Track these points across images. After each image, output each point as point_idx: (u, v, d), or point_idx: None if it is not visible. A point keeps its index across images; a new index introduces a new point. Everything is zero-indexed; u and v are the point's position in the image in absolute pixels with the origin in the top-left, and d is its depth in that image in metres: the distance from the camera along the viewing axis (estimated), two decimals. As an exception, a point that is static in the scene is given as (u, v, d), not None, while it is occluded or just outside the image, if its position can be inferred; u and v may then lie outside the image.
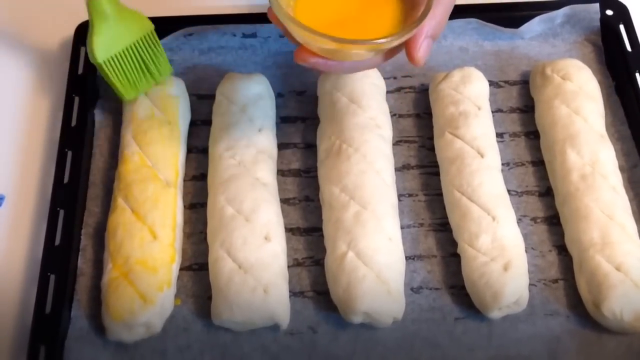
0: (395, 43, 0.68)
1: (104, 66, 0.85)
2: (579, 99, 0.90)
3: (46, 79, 1.00)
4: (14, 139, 0.95)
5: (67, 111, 0.92)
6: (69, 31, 1.00)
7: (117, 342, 0.79)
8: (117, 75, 0.86)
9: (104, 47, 0.84)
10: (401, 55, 0.98)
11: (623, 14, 1.00)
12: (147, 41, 0.88)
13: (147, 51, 0.88)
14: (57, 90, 0.98)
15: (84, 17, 0.99)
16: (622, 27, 0.99)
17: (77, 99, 0.93)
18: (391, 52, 0.72)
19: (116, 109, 0.95)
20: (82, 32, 0.99)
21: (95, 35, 0.84)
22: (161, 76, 0.90)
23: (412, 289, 0.83)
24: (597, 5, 0.99)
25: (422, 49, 0.71)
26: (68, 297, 0.81)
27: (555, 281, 0.84)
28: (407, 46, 0.71)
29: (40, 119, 0.96)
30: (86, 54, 0.97)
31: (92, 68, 0.96)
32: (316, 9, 0.72)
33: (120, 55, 0.86)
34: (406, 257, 0.84)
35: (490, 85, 0.95)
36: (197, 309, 0.82)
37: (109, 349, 0.79)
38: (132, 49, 0.86)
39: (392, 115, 0.94)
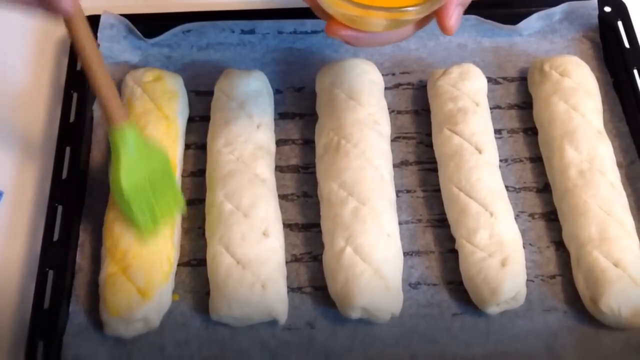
0: (427, 12, 0.67)
1: (130, 197, 0.79)
2: (577, 96, 0.90)
3: (44, 74, 0.99)
4: (12, 134, 0.95)
5: (65, 107, 0.92)
6: (68, 27, 1.00)
7: (115, 337, 0.79)
8: (138, 204, 0.80)
9: (129, 177, 0.79)
10: (399, 51, 1.00)
11: (621, 11, 1.00)
12: (164, 173, 0.83)
13: (163, 184, 0.82)
14: (55, 85, 0.98)
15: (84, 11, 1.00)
16: (620, 23, 0.99)
17: (75, 95, 0.93)
18: (422, 22, 0.71)
19: (115, 105, 0.95)
20: (81, 29, 0.99)
21: (122, 164, 0.78)
22: (175, 209, 0.84)
23: (410, 285, 0.83)
24: (595, 2, 1.00)
25: (454, 17, 0.69)
26: (66, 292, 0.81)
27: (553, 277, 0.84)
28: (438, 15, 0.69)
29: (38, 115, 0.96)
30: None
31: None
32: None
33: (141, 185, 0.80)
34: (404, 253, 0.84)
35: (488, 81, 0.95)
36: (195, 304, 0.82)
37: (107, 344, 0.79)
38: (151, 180, 0.81)
39: (391, 111, 0.94)
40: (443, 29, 0.70)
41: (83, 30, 0.74)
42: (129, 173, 0.79)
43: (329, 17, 0.72)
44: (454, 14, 0.69)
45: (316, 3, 0.71)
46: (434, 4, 0.67)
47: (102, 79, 0.76)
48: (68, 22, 0.73)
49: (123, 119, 0.78)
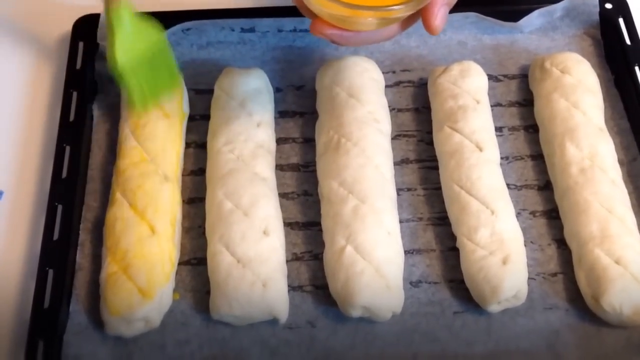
0: (411, 11, 0.67)
1: (125, 74, 0.82)
2: (578, 93, 0.90)
3: (44, 73, 0.99)
4: (12, 133, 0.95)
5: (65, 106, 0.92)
6: (67, 26, 1.00)
7: (116, 336, 0.79)
8: (135, 82, 0.83)
9: (124, 54, 0.82)
10: (400, 48, 1.00)
11: (622, 8, 0.99)
12: (160, 49, 0.85)
13: (160, 59, 0.85)
14: (55, 85, 0.98)
15: (83, 11, 1.00)
16: (621, 20, 0.99)
17: (75, 94, 0.93)
18: (407, 22, 0.71)
19: (114, 103, 0.95)
20: (81, 27, 0.99)
21: (117, 43, 0.81)
22: (174, 87, 0.89)
23: (411, 283, 0.83)
24: (596, -1, 0.99)
25: (439, 17, 0.69)
26: (67, 292, 0.81)
27: (555, 275, 0.84)
28: (423, 14, 0.70)
29: (38, 114, 0.96)
30: (85, 49, 0.97)
31: (90, 62, 0.96)
32: None
33: (138, 63, 0.83)
34: (405, 251, 0.84)
35: (489, 79, 0.95)
36: (195, 303, 0.82)
37: (107, 344, 0.79)
38: (147, 56, 0.83)
39: (391, 109, 0.94)
40: (428, 28, 0.70)
41: None
42: (125, 50, 0.81)
43: (314, 16, 0.71)
44: (439, 14, 0.69)
45: (302, 2, 0.71)
46: (420, 2, 0.67)
47: None
48: None
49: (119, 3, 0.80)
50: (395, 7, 0.66)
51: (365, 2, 0.67)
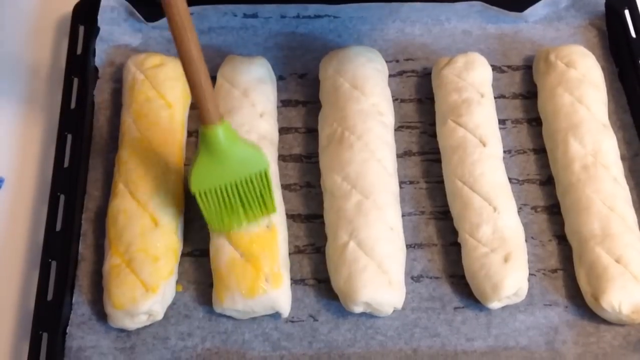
0: None
1: (197, 198, 0.77)
2: (583, 87, 0.90)
3: (43, 59, 0.98)
4: (13, 121, 0.94)
5: (66, 93, 0.91)
6: (67, 9, 0.98)
7: (119, 328, 0.79)
8: (210, 206, 0.78)
9: (204, 178, 0.77)
10: (403, 37, 0.99)
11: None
12: (256, 179, 0.78)
13: (253, 189, 0.78)
14: (55, 71, 0.97)
15: (81, -5, 0.99)
16: (627, 12, 0.98)
17: (76, 80, 0.92)
18: None
19: (116, 90, 0.94)
20: (81, 10, 0.97)
21: (197, 165, 0.76)
22: (262, 215, 0.80)
23: (413, 278, 0.84)
24: (602, -10, 0.99)
25: None
26: (69, 283, 0.81)
27: (555, 271, 0.84)
28: None
29: (38, 101, 0.95)
30: (85, 33, 0.96)
31: (91, 48, 0.95)
32: None
33: (221, 189, 0.77)
34: (407, 246, 0.84)
35: (493, 70, 0.95)
36: (198, 295, 0.82)
37: (110, 336, 0.80)
38: (236, 185, 0.78)
39: (394, 99, 0.94)
40: None
41: (185, 18, 0.70)
42: (204, 174, 0.76)
43: None
44: None
45: None
46: None
47: (202, 75, 0.72)
48: (169, 7, 0.69)
49: (216, 120, 0.75)
50: None
51: None
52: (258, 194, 0.79)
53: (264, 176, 0.78)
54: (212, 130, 0.75)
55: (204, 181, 0.77)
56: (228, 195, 0.78)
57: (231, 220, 0.79)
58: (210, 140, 0.75)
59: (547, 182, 0.89)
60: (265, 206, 0.80)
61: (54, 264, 0.81)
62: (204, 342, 0.80)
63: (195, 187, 0.77)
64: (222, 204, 0.78)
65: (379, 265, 0.79)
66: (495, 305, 0.80)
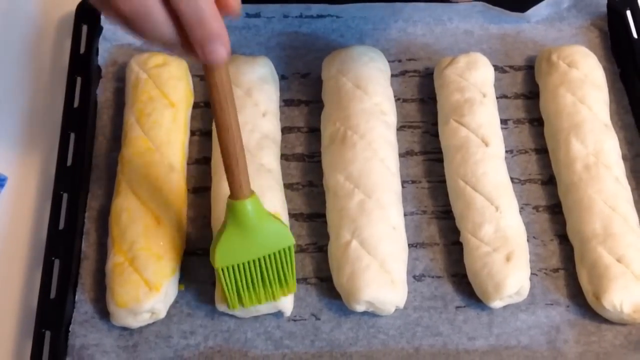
0: None
1: (220, 273, 0.75)
2: (585, 88, 0.90)
3: (47, 57, 0.98)
4: (15, 120, 0.94)
5: (69, 92, 0.91)
6: (70, 8, 0.99)
7: (122, 327, 0.79)
8: (230, 283, 0.76)
9: (229, 253, 0.75)
10: (406, 37, 0.99)
11: (630, 0, 0.99)
12: (280, 256, 0.77)
13: (276, 266, 0.77)
14: (58, 69, 0.97)
15: (85, -7, 0.99)
16: (628, 13, 0.98)
17: (79, 79, 0.92)
18: None
19: (118, 88, 0.94)
20: (84, 9, 0.97)
21: (223, 240, 0.74)
22: (282, 294, 0.79)
23: (415, 277, 0.84)
24: (604, -10, 0.99)
25: None
26: (72, 281, 0.81)
27: (556, 270, 0.84)
28: None
29: (42, 100, 0.95)
30: (89, 32, 0.96)
31: (94, 47, 0.95)
32: None
33: (244, 265, 0.76)
34: (409, 245, 0.84)
35: (495, 70, 0.95)
36: (201, 294, 0.82)
37: (113, 334, 0.80)
38: (259, 261, 0.76)
39: (396, 99, 0.94)
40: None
41: (227, 85, 0.67)
42: (229, 249, 0.74)
43: None
44: None
45: None
46: None
47: (238, 146, 0.70)
48: (210, 71, 0.66)
49: (247, 194, 0.73)
50: None
51: None
52: (280, 271, 0.77)
53: (289, 253, 0.77)
54: (243, 204, 0.72)
55: (229, 256, 0.75)
56: (250, 272, 0.76)
57: (250, 297, 0.77)
58: (239, 214, 0.73)
59: (549, 181, 0.90)
60: (287, 284, 0.78)
61: (57, 262, 0.81)
62: (207, 341, 0.80)
63: (219, 263, 0.75)
64: (243, 279, 0.76)
65: (382, 265, 0.79)
66: (497, 304, 0.80)
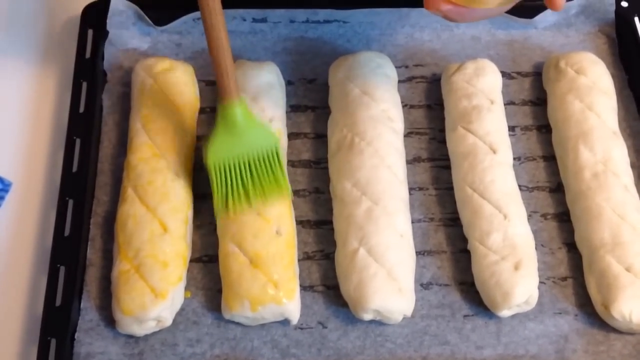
0: None
1: (212, 172, 0.80)
2: (593, 94, 0.90)
3: (52, 62, 0.98)
4: (20, 125, 0.94)
5: (74, 97, 0.91)
6: (75, 12, 0.98)
7: (127, 334, 0.79)
8: (220, 184, 0.80)
9: (220, 153, 0.80)
10: (412, 42, 0.99)
11: (638, 6, 0.99)
12: (268, 158, 0.81)
13: (266, 168, 0.81)
14: (63, 74, 0.96)
15: (91, -3, 0.98)
16: (637, 19, 0.98)
17: (85, 84, 0.92)
18: None
19: (124, 93, 0.94)
20: (90, 13, 0.97)
21: (214, 140, 0.80)
22: (276, 196, 0.82)
23: (422, 285, 0.83)
24: (612, -4, 0.98)
25: None
26: (78, 288, 0.81)
27: (565, 279, 0.84)
28: None
29: (46, 105, 0.95)
30: (94, 37, 0.96)
31: (99, 51, 0.95)
32: None
33: (235, 166, 0.80)
34: (416, 252, 0.84)
35: (502, 76, 0.94)
36: (207, 301, 0.82)
37: (119, 342, 0.79)
38: (250, 162, 0.81)
39: (404, 105, 0.93)
40: (553, 6, 0.71)
41: None
42: (220, 150, 0.80)
43: None
44: None
45: None
46: None
47: (226, 51, 0.77)
48: None
49: (236, 96, 0.79)
50: None
51: None
52: (270, 172, 0.81)
53: (275, 154, 0.81)
54: (231, 106, 0.79)
55: (220, 155, 0.80)
56: (239, 175, 0.80)
57: (242, 202, 0.80)
58: (228, 116, 0.79)
59: (557, 189, 0.89)
60: (279, 187, 0.82)
61: (62, 269, 0.81)
62: (213, 349, 0.79)
63: (211, 160, 0.80)
64: (235, 182, 0.80)
65: (389, 273, 0.79)
66: (505, 313, 0.80)
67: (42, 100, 0.95)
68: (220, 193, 0.80)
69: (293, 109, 0.94)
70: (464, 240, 0.85)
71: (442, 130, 0.92)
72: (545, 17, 0.99)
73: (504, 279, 0.79)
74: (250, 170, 0.81)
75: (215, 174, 0.80)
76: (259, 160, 0.81)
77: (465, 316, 0.82)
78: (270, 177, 0.81)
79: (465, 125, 0.88)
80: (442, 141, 0.91)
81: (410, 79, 0.97)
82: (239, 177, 0.80)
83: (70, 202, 0.84)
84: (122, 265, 0.79)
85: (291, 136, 0.92)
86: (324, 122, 0.92)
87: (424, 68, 0.97)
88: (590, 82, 0.91)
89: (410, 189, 0.88)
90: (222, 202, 0.81)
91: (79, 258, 0.82)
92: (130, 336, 0.79)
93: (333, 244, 0.84)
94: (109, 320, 0.80)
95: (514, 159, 0.90)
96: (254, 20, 0.98)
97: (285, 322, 0.80)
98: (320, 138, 0.92)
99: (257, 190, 0.81)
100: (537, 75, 0.97)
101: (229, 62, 0.78)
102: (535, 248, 0.83)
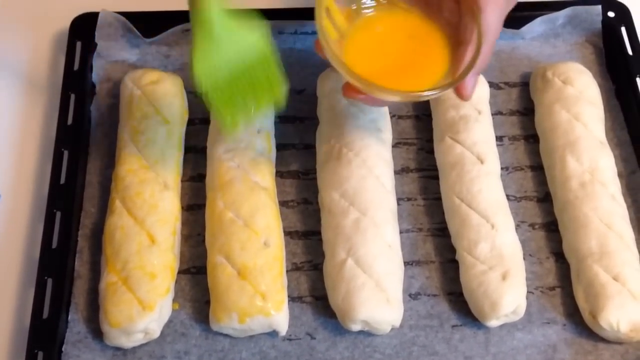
0: (441, 93, 0.72)
1: (206, 88, 0.73)
2: (580, 104, 0.90)
3: (41, 74, 0.98)
4: (8, 137, 0.94)
5: (63, 109, 0.91)
6: (64, 23, 0.98)
7: (115, 347, 0.79)
8: (222, 99, 0.74)
9: (208, 67, 0.72)
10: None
11: (624, 16, 0.99)
12: (260, 63, 0.75)
13: (260, 71, 0.75)
14: (52, 86, 0.96)
15: (81, 9, 0.98)
16: (623, 29, 0.98)
17: (73, 96, 0.92)
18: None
19: (112, 105, 0.94)
20: (79, 25, 0.97)
21: (199, 56, 0.71)
22: (271, 99, 0.77)
23: (410, 295, 0.83)
24: (599, 7, 0.99)
25: (470, 87, 0.74)
26: (66, 301, 0.81)
27: (553, 289, 0.84)
28: (456, 87, 0.74)
29: (35, 117, 0.95)
30: (83, 48, 0.96)
31: (88, 63, 0.95)
32: (366, 50, 0.75)
33: (226, 75, 0.73)
34: (405, 263, 0.84)
35: (490, 86, 0.95)
36: (195, 313, 0.82)
37: (106, 354, 0.79)
38: (239, 65, 0.74)
39: (392, 116, 0.93)
40: (461, 97, 0.74)
41: None
42: (209, 62, 0.71)
43: (343, 79, 0.74)
44: (470, 85, 0.74)
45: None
46: (451, 84, 0.71)
47: None
48: None
49: (208, 2, 0.69)
50: (426, 93, 0.70)
51: (400, 78, 0.71)
52: (264, 76, 0.75)
53: (268, 56, 0.75)
54: (213, 10, 0.69)
55: (209, 68, 0.72)
56: (235, 86, 0.74)
57: (241, 114, 0.75)
58: (209, 22, 0.70)
59: (545, 199, 0.89)
60: (272, 88, 0.76)
61: (49, 281, 0.80)
62: (201, 360, 0.79)
63: (203, 78, 0.72)
64: (230, 97, 0.74)
65: (377, 283, 0.79)
66: (493, 323, 0.80)
67: (30, 112, 0.95)
68: (225, 111, 0.74)
69: (282, 120, 0.94)
70: (452, 250, 0.85)
71: (430, 140, 0.92)
72: (533, 28, 1.00)
73: (492, 289, 0.79)
74: (245, 78, 0.74)
75: (210, 89, 0.72)
76: (249, 63, 0.74)
77: (453, 326, 0.82)
78: (266, 77, 0.75)
79: (452, 136, 0.88)
80: (430, 151, 0.91)
81: (398, 90, 0.97)
82: (235, 87, 0.74)
83: (58, 214, 0.84)
84: (109, 277, 0.79)
85: (280, 147, 0.92)
86: (313, 133, 0.92)
87: (412, 79, 0.98)
88: (577, 92, 0.91)
89: (399, 199, 0.88)
90: (229, 119, 0.75)
91: (67, 270, 0.82)
92: (118, 348, 0.79)
93: (321, 254, 0.84)
94: (97, 332, 0.79)
95: (502, 168, 0.90)
96: (243, 31, 0.98)
97: (274, 333, 0.80)
98: (309, 149, 0.92)
99: (254, 95, 0.75)
100: (525, 86, 0.97)
101: None
102: (523, 258, 0.83)
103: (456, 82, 0.71)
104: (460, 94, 0.74)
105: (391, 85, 0.70)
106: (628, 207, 0.87)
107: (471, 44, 0.72)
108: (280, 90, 0.77)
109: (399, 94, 0.71)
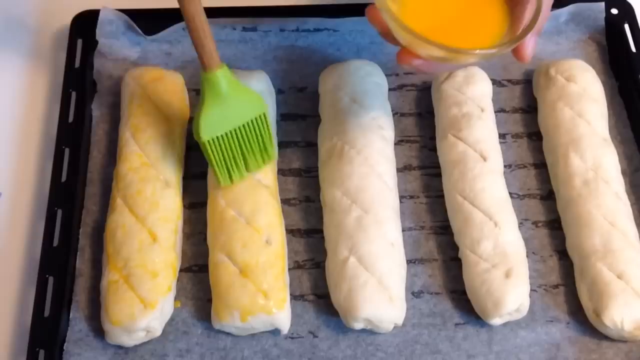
0: (506, 51, 0.69)
1: (207, 146, 0.79)
2: (583, 102, 0.90)
3: (41, 72, 0.98)
4: (9, 135, 0.93)
5: (64, 107, 0.90)
6: (65, 21, 0.98)
7: (117, 345, 0.78)
8: (218, 156, 0.80)
9: (212, 125, 0.79)
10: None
11: (628, 13, 0.99)
12: (257, 123, 0.81)
13: (255, 134, 0.81)
14: (53, 84, 0.96)
15: (81, 6, 0.98)
16: (627, 26, 0.98)
17: (74, 94, 0.92)
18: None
19: (114, 103, 0.93)
20: (80, 23, 0.97)
21: (205, 113, 0.78)
22: (263, 164, 0.84)
23: (413, 294, 0.83)
24: (602, 4, 0.98)
25: (530, 48, 0.73)
26: (67, 299, 0.80)
27: (556, 287, 0.84)
28: (515, 48, 0.71)
29: (35, 114, 0.95)
30: (83, 46, 0.95)
31: (89, 61, 0.95)
32: (423, 9, 0.71)
33: (226, 137, 0.80)
34: (407, 261, 0.83)
35: (493, 84, 0.94)
36: (197, 311, 0.81)
37: (108, 352, 0.79)
38: (240, 130, 0.80)
39: (394, 114, 0.93)
40: (520, 59, 0.73)
41: None
42: (211, 121, 0.78)
43: (398, 44, 0.71)
44: (530, 45, 0.72)
45: (386, 29, 0.70)
46: (514, 42, 0.68)
47: (202, 21, 0.75)
48: None
49: (216, 65, 0.77)
50: (492, 50, 0.67)
51: (460, 38, 0.68)
52: (259, 139, 0.82)
53: (264, 119, 0.81)
54: (215, 75, 0.77)
55: (212, 128, 0.79)
56: (233, 143, 0.80)
57: (236, 172, 0.82)
58: (214, 85, 0.77)
59: (548, 196, 0.89)
60: (267, 153, 0.83)
61: (51, 279, 0.80)
62: (203, 359, 0.79)
63: (205, 135, 0.78)
64: (227, 153, 0.80)
65: (380, 281, 0.79)
66: (496, 321, 0.80)
67: (31, 110, 0.95)
68: (221, 165, 0.81)
69: (283, 117, 0.94)
70: (455, 248, 0.84)
71: (433, 138, 0.92)
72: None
73: (495, 287, 0.79)
74: (241, 140, 0.81)
75: (211, 148, 0.79)
76: (249, 128, 0.81)
77: (456, 325, 0.81)
78: (260, 146, 0.82)
79: (455, 133, 0.88)
80: (433, 149, 0.91)
81: (400, 87, 0.97)
82: (232, 146, 0.80)
83: (59, 212, 0.84)
84: (111, 275, 0.79)
85: (281, 145, 0.91)
86: (314, 131, 0.92)
87: (414, 76, 0.97)
88: (580, 89, 0.91)
89: (401, 197, 0.88)
90: (224, 173, 0.81)
91: (68, 268, 0.81)
92: (120, 347, 0.79)
93: (323, 252, 0.84)
94: (98, 330, 0.79)
95: (505, 166, 0.89)
96: (244, 29, 0.98)
97: (276, 331, 0.80)
98: (311, 146, 0.92)
99: (247, 161, 0.82)
100: (528, 83, 0.97)
101: (208, 31, 0.76)
102: (527, 256, 0.83)
103: (517, 42, 0.68)
104: (520, 55, 0.72)
105: (451, 44, 0.67)
106: (632, 205, 0.86)
107: (530, 2, 0.69)
108: (271, 150, 0.84)
109: (459, 52, 0.67)
